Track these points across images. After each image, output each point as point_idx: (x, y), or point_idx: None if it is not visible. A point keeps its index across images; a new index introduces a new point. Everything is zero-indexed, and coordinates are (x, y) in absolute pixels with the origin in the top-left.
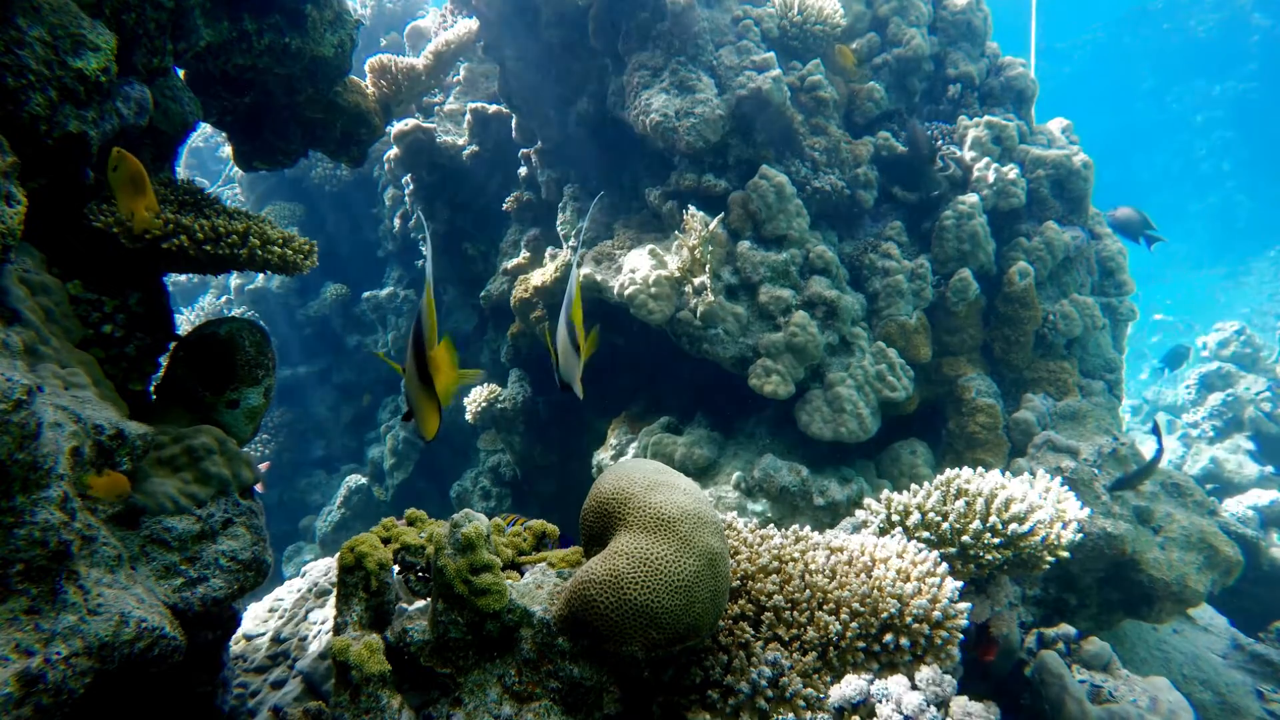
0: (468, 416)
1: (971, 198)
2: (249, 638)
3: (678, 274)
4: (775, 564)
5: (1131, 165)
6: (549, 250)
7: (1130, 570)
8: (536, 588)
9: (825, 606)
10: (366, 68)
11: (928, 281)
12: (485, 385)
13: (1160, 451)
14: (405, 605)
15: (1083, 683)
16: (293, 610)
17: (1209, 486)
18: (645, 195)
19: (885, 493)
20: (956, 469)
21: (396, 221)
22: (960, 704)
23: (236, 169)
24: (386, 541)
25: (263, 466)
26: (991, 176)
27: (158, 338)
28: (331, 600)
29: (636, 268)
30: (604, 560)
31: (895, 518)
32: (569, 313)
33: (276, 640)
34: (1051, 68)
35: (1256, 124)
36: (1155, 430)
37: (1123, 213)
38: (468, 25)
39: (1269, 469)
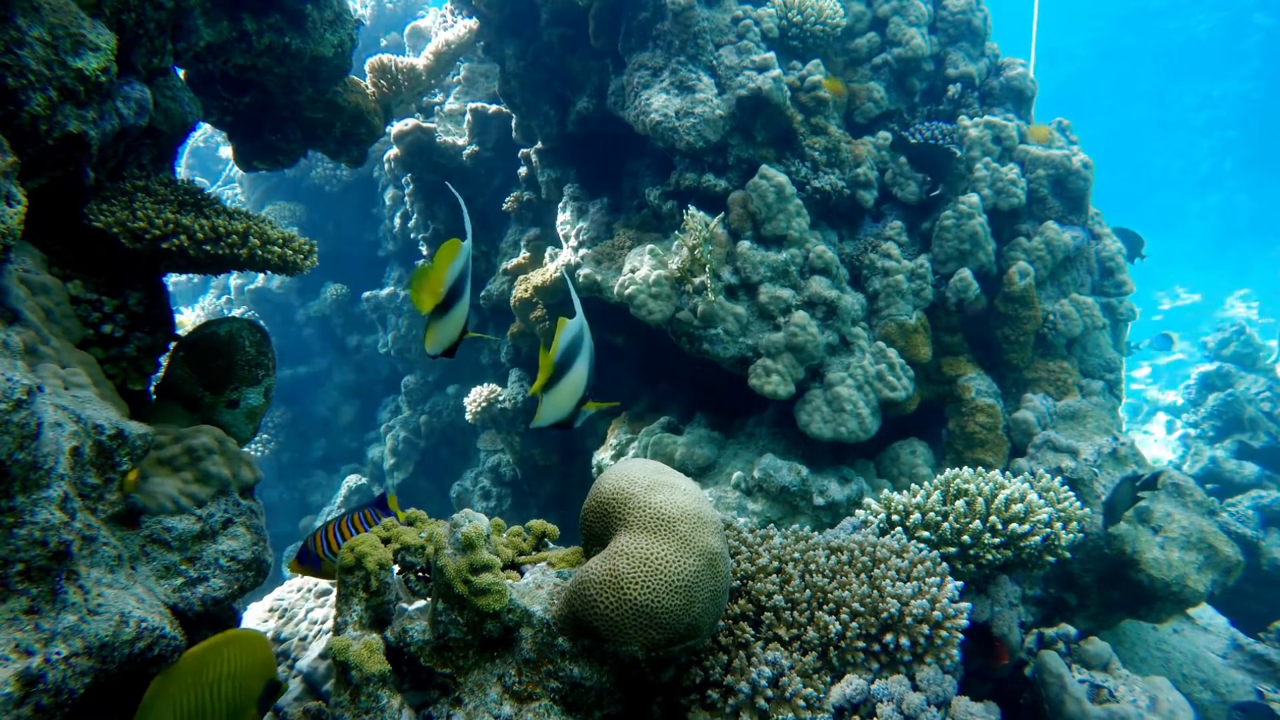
0: (468, 417)
1: (971, 197)
2: None
3: (678, 274)
4: (775, 564)
5: (1131, 165)
6: (549, 250)
7: (1130, 570)
8: (536, 588)
9: (825, 607)
10: (366, 68)
11: (928, 281)
12: (486, 385)
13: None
14: (405, 605)
15: (1083, 682)
16: (293, 610)
17: (1209, 486)
18: (645, 195)
19: (885, 493)
20: (957, 469)
21: (396, 221)
22: (961, 704)
23: (236, 169)
24: (386, 541)
25: None
26: (991, 176)
27: (158, 337)
28: (331, 600)
29: (636, 267)
30: (604, 560)
31: (895, 518)
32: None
33: (276, 640)
34: (1051, 68)
35: (1257, 124)
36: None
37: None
38: (468, 25)
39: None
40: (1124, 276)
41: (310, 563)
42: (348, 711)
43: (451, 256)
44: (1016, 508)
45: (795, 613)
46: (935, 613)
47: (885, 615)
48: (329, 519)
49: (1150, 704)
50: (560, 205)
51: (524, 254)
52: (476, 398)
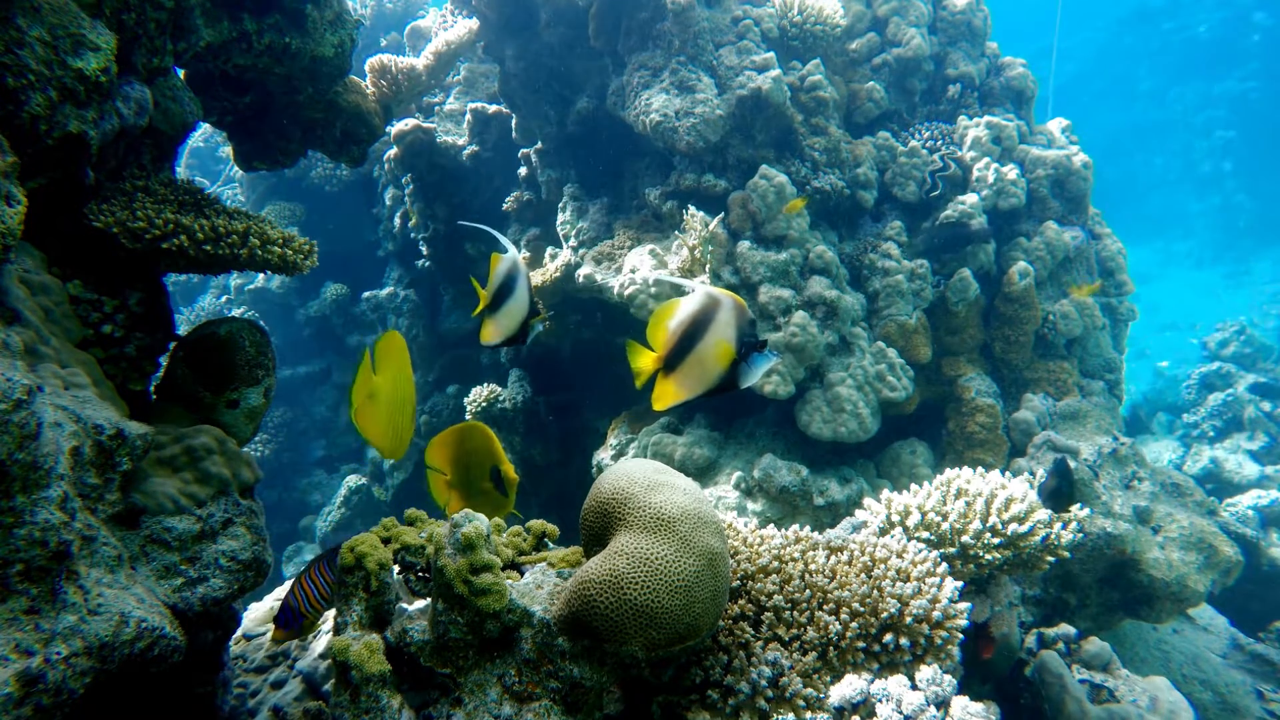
0: (467, 416)
1: (971, 197)
2: (249, 638)
3: (678, 274)
4: (775, 564)
5: (1131, 165)
6: (549, 250)
7: (1130, 570)
8: (536, 588)
9: (825, 607)
10: (366, 68)
11: (928, 281)
12: (486, 385)
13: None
14: (405, 605)
15: (1083, 682)
16: None
17: (1209, 486)
18: (645, 195)
19: (885, 493)
20: (956, 469)
21: (396, 221)
22: (960, 704)
23: (236, 169)
24: (386, 541)
25: None
26: (991, 176)
27: (158, 337)
28: None
29: (637, 267)
30: (604, 560)
31: (895, 518)
32: None
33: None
34: (1051, 68)
35: (1257, 124)
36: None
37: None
38: (468, 25)
39: (1269, 469)
40: (1124, 277)
41: (292, 621)
42: (348, 711)
43: (491, 270)
44: (1016, 508)
45: (795, 613)
46: (935, 613)
47: (885, 615)
48: (295, 576)
49: (1150, 704)
50: (560, 205)
51: (524, 254)
52: (476, 398)
